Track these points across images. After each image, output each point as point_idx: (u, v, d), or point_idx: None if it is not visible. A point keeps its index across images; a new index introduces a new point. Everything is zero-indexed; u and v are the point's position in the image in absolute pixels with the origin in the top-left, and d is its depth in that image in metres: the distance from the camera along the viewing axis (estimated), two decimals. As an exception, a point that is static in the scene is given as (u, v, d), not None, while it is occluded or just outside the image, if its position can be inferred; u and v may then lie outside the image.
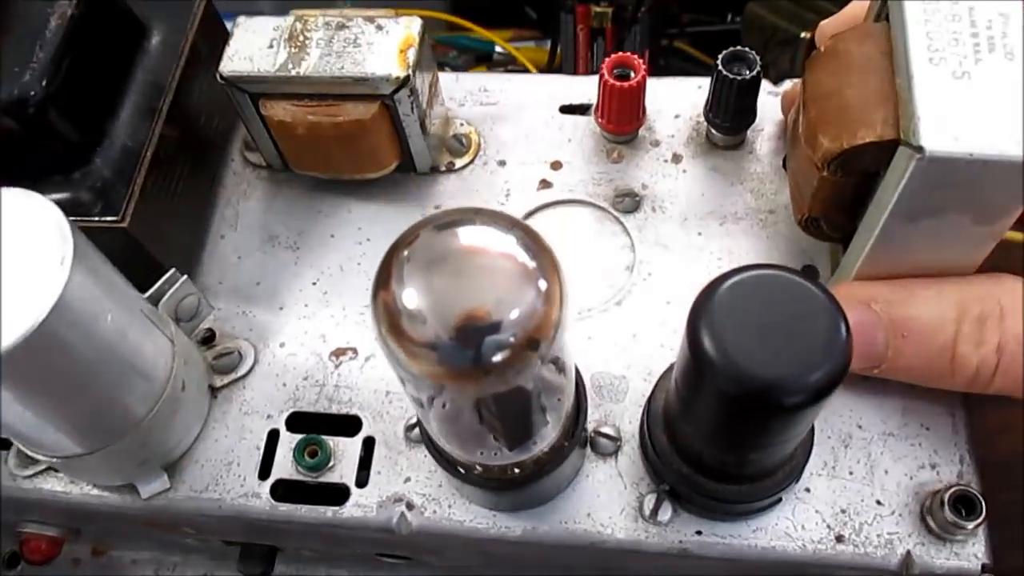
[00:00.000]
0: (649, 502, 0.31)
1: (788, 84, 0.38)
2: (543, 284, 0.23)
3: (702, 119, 0.38)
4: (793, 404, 0.23)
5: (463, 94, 0.41)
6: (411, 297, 0.23)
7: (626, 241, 0.37)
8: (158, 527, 0.37)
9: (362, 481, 0.33)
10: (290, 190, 0.40)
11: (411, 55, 0.34)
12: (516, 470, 0.30)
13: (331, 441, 0.34)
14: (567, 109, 0.40)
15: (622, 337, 0.35)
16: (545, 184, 0.38)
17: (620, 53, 0.36)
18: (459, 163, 0.39)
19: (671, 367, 0.32)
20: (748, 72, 0.35)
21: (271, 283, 0.37)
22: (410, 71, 0.34)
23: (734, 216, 0.37)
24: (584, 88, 0.41)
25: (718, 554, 0.31)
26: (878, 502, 0.31)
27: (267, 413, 0.35)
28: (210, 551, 0.41)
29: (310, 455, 0.33)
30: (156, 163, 0.34)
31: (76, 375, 0.27)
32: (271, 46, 0.35)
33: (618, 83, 0.36)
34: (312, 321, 0.36)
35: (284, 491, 0.33)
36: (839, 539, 0.31)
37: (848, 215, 0.31)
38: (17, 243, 0.26)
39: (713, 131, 0.38)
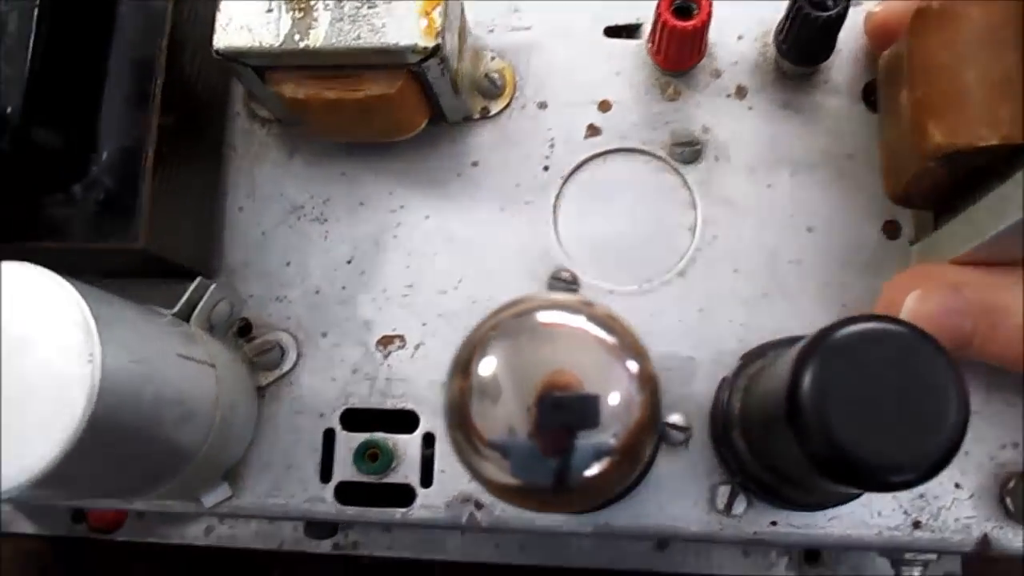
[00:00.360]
0: (723, 495, 0.31)
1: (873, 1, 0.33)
2: (637, 396, 0.21)
3: (770, 41, 0.33)
4: (897, 484, 0.22)
5: (491, 17, 0.36)
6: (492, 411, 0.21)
7: (686, 197, 0.33)
8: (223, 514, 0.37)
9: (427, 480, 0.32)
10: (308, 149, 0.36)
11: (438, 17, 0.29)
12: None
13: (390, 441, 0.33)
14: (613, 31, 0.35)
15: (688, 313, 0.32)
16: (593, 131, 0.34)
17: (680, -19, 0.31)
18: (494, 108, 0.35)
19: (744, 365, 0.30)
20: (833, 6, 0.30)
21: (302, 263, 0.35)
22: (439, 39, 0.29)
23: (808, 164, 0.33)
24: (632, 3, 0.35)
25: (793, 542, 0.31)
26: (957, 485, 0.30)
27: (319, 411, 0.33)
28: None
29: (371, 459, 0.32)
30: (160, 159, 0.30)
31: (124, 451, 0.26)
32: (270, 10, 0.30)
33: (679, 23, 0.31)
34: (352, 306, 0.34)
35: (348, 492, 0.33)
36: (916, 525, 0.30)
37: (947, 195, 0.28)
38: (35, 341, 0.23)
39: (784, 58, 0.33)
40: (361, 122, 0.32)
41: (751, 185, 0.33)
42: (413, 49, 0.29)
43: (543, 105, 0.35)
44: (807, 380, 0.22)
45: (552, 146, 0.34)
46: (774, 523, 0.31)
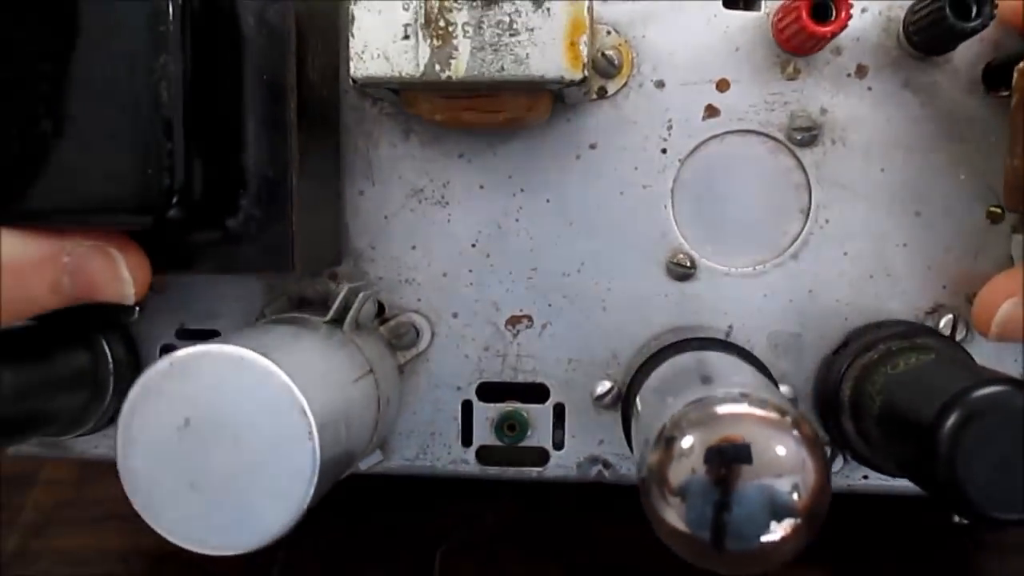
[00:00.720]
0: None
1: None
2: (821, 500, 0.24)
3: (895, 15, 0.33)
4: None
5: (605, -17, 0.34)
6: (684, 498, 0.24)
7: (801, 179, 0.35)
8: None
9: (559, 443, 0.37)
10: (422, 129, 0.36)
11: (583, 47, 0.28)
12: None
13: (524, 411, 0.36)
14: (732, 3, 0.34)
15: (798, 294, 0.35)
16: (711, 111, 0.35)
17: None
18: (611, 88, 0.35)
19: (847, 345, 0.33)
20: (977, 17, 0.29)
21: (427, 246, 0.36)
22: (585, 71, 0.28)
23: (921, 147, 0.34)
24: (752, -31, 0.34)
25: (881, 492, 0.36)
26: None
27: (456, 385, 0.37)
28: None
29: (509, 429, 0.36)
30: (299, 182, 0.31)
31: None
32: (407, 36, 0.29)
33: (817, 28, 0.30)
34: (480, 288, 0.36)
35: (487, 456, 0.37)
36: (989, 476, 0.35)
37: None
38: (256, 425, 0.26)
39: (908, 43, 0.33)
40: (486, 126, 0.32)
41: (865, 169, 0.34)
42: (559, 81, 0.29)
43: (660, 84, 0.35)
44: (945, 438, 0.25)
45: (670, 128, 0.35)
46: (866, 477, 0.35)
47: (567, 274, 0.36)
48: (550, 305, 0.36)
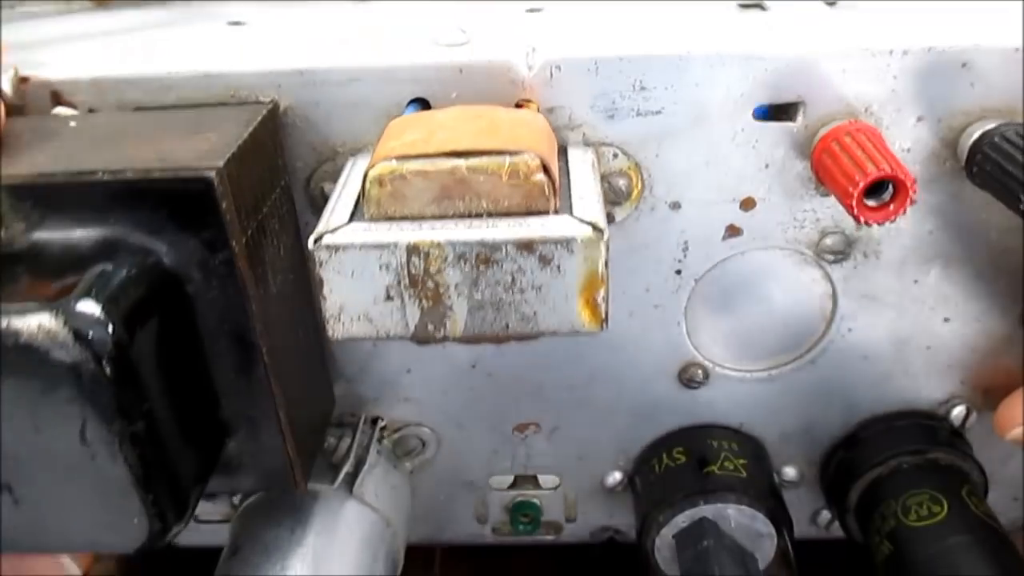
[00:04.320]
0: (824, 518, 0.37)
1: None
2: None
3: (954, 123, 0.28)
4: None
5: (612, 98, 0.28)
6: None
7: (827, 290, 0.32)
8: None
9: (571, 518, 0.38)
10: (403, 260, 0.31)
11: (601, 302, 0.24)
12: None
13: (536, 499, 0.37)
14: (765, 114, 0.28)
15: (813, 395, 0.34)
16: (733, 231, 0.30)
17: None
18: (619, 215, 0.30)
19: (856, 447, 0.34)
20: (1057, 208, 0.25)
21: (423, 370, 0.34)
22: (605, 325, 0.25)
23: (961, 258, 0.31)
24: (792, 73, 0.27)
25: (873, 534, 0.38)
26: None
27: (467, 480, 0.37)
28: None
29: (523, 517, 0.37)
30: (287, 405, 0.28)
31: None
32: (389, 297, 0.24)
33: (869, 214, 0.26)
34: (484, 403, 0.34)
35: (503, 529, 0.38)
36: (975, 520, 0.37)
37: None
38: None
39: (966, 167, 0.28)
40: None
41: (897, 281, 0.31)
42: (575, 330, 0.25)
43: (676, 206, 0.30)
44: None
45: (685, 250, 0.31)
46: (861, 528, 0.38)
47: (575, 387, 0.34)
48: (558, 413, 0.35)
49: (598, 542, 0.39)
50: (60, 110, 0.28)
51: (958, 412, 0.34)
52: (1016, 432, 0.31)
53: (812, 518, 0.37)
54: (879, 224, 0.26)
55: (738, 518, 0.32)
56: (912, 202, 0.25)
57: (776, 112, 0.28)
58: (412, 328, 0.24)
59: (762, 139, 0.28)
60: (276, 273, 0.27)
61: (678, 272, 0.31)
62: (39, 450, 0.22)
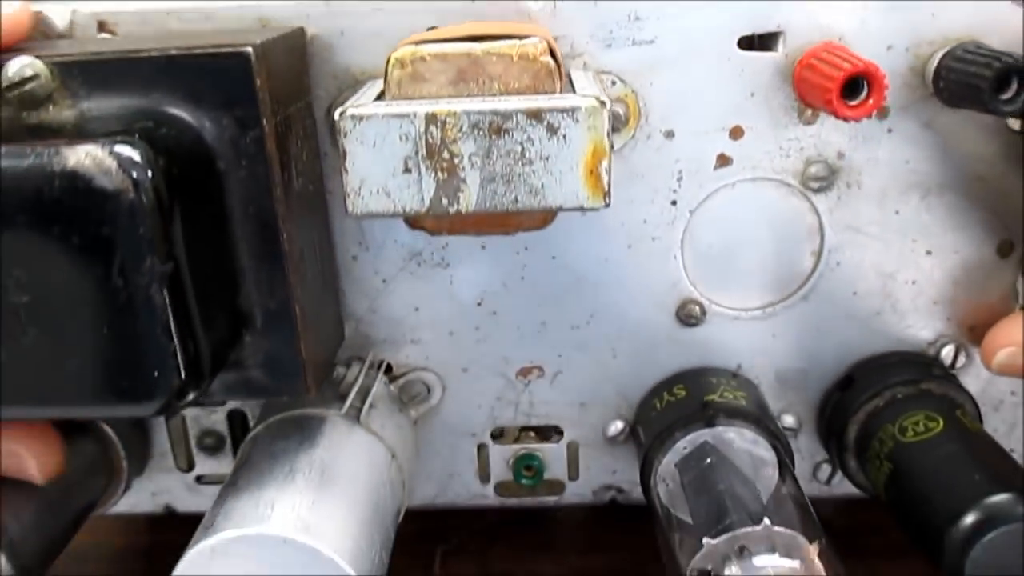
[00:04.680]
0: (825, 471, 0.37)
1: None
2: None
3: (921, 51, 0.31)
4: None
5: (609, 27, 0.31)
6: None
7: (814, 222, 0.34)
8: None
9: (574, 475, 0.38)
10: (414, 191, 0.33)
11: (604, 173, 0.26)
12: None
13: (539, 451, 0.37)
14: (749, 43, 0.31)
15: (806, 333, 0.35)
16: (724, 160, 0.32)
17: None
18: (618, 143, 0.32)
19: (850, 387, 0.34)
20: (1015, 100, 0.27)
21: (430, 308, 0.35)
22: (608, 198, 0.26)
23: (938, 187, 0.33)
24: (772, 3, 0.30)
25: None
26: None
27: (471, 432, 0.37)
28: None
29: (527, 470, 0.37)
30: (302, 303, 0.29)
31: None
32: (408, 170, 0.26)
33: (847, 111, 0.28)
34: (489, 344, 0.35)
35: (505, 489, 0.38)
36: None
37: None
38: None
39: (935, 89, 0.31)
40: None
41: (879, 212, 0.33)
42: (579, 207, 0.27)
43: (670, 134, 0.32)
44: (954, 547, 0.27)
45: (680, 179, 0.33)
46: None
47: (576, 327, 0.35)
48: (560, 356, 0.36)
49: (601, 503, 0.39)
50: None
51: (948, 351, 0.35)
52: (1001, 355, 0.32)
53: (813, 472, 0.38)
54: (859, 120, 0.28)
55: (740, 443, 0.32)
56: (885, 95, 0.27)
57: (759, 43, 0.31)
58: (427, 202, 0.26)
59: (747, 69, 0.31)
60: (298, 174, 0.29)
61: (673, 203, 0.33)
62: (69, 294, 0.24)
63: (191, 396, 0.26)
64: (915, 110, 0.32)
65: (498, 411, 0.37)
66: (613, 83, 0.31)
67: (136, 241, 0.23)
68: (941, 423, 0.31)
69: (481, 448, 0.37)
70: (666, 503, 0.33)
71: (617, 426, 0.36)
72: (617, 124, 0.32)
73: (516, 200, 0.26)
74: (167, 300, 0.24)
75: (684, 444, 0.32)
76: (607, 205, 0.26)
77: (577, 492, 0.38)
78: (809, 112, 0.32)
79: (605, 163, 0.26)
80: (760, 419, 0.33)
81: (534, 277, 0.34)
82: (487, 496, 0.38)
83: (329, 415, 0.32)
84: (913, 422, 0.32)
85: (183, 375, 0.25)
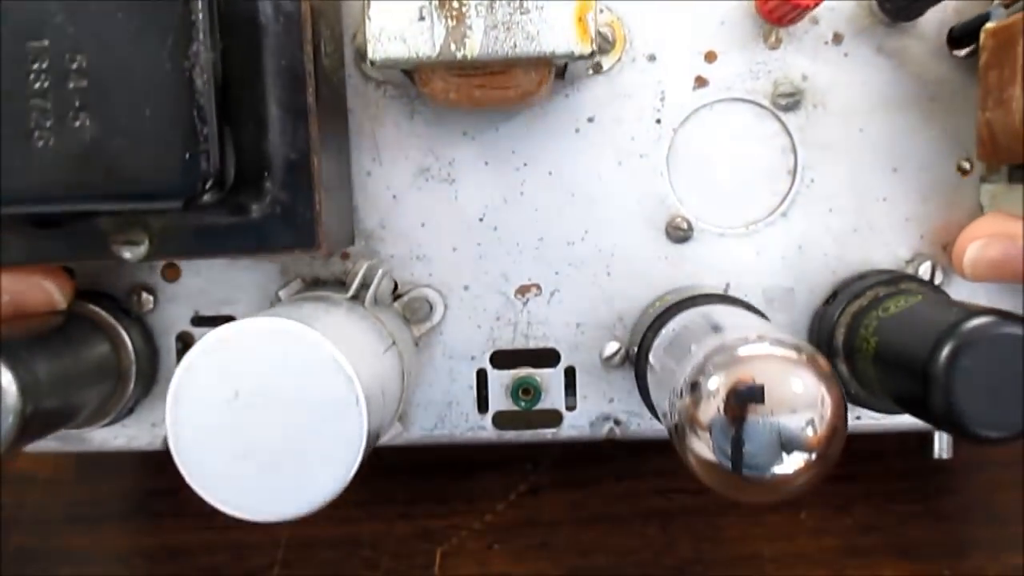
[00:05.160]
0: (819, 400, 0.38)
1: None
2: (836, 433, 0.26)
3: (867, -14, 0.35)
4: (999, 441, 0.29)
5: (595, -39, 0.36)
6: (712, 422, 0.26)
7: (787, 142, 0.37)
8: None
9: (571, 405, 0.38)
10: (425, 108, 0.37)
11: (591, 22, 0.30)
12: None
13: (537, 376, 0.38)
14: (716, -23, 0.36)
15: (789, 250, 0.37)
16: (701, 82, 0.37)
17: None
18: (606, 63, 0.36)
19: (837, 296, 0.36)
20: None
21: (436, 223, 0.37)
22: (593, 45, 0.30)
23: (896, 107, 0.37)
24: (733, -54, 0.36)
25: (870, 431, 0.38)
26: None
27: (470, 355, 0.38)
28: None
29: (524, 393, 0.38)
30: (321, 163, 0.32)
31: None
32: (422, 18, 0.30)
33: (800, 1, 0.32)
34: (489, 261, 0.38)
35: (503, 421, 0.39)
36: (969, 410, 0.38)
37: (1036, 163, 0.32)
38: (307, 392, 0.27)
39: (880, 10, 0.35)
40: (496, 104, 0.33)
41: (845, 130, 0.37)
42: (568, 56, 0.30)
43: (652, 58, 0.36)
44: (940, 369, 0.28)
45: (663, 99, 0.37)
46: (859, 417, 0.38)
47: (571, 243, 0.37)
48: (557, 273, 0.38)
49: (598, 438, 0.39)
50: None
51: (925, 268, 0.37)
52: (970, 251, 0.34)
53: (808, 404, 0.38)
54: (817, 5, 0.32)
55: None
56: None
57: (725, -25, 0.36)
58: (438, 48, 0.30)
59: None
60: (324, 56, 0.33)
61: (658, 121, 0.37)
62: (122, 77, 0.27)
63: (213, 195, 0.28)
64: (865, 36, 0.36)
65: (497, 332, 0.38)
66: (601, 11, 0.36)
67: (188, 24, 0.27)
68: (920, 296, 0.33)
69: (480, 374, 0.38)
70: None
71: (613, 347, 0.37)
72: (605, 45, 0.36)
73: (515, 46, 0.30)
74: (207, 86, 0.27)
75: (674, 325, 0.34)
76: (593, 52, 0.30)
77: (575, 424, 0.38)
78: (774, 38, 0.36)
79: (591, 13, 0.30)
80: (751, 307, 0.34)
81: (532, 192, 0.37)
82: (485, 428, 0.38)
83: (333, 295, 0.34)
84: (895, 302, 0.33)
85: (210, 165, 0.27)
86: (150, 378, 0.38)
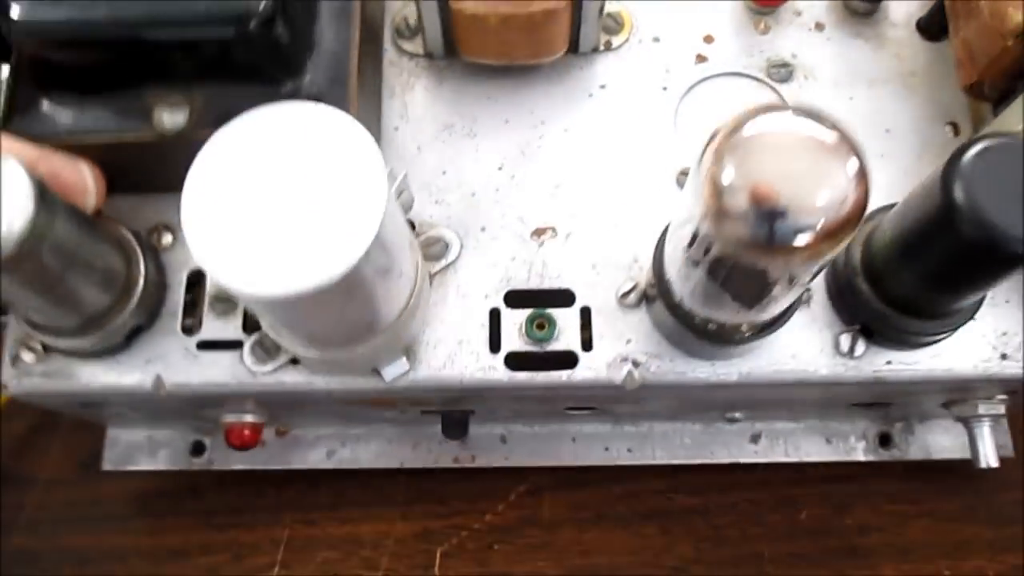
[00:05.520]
0: (845, 341, 0.36)
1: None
2: (858, 183, 0.26)
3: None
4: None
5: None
6: (735, 178, 0.26)
7: (784, 109, 0.40)
8: (383, 404, 0.40)
9: (587, 345, 0.37)
10: (453, 78, 0.41)
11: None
12: (745, 328, 0.34)
13: (553, 313, 0.37)
14: (708, -28, 0.42)
15: (797, 199, 0.38)
16: (701, 58, 0.41)
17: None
18: (616, 42, 0.41)
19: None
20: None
21: (457, 171, 0.39)
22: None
23: (880, 79, 0.40)
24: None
25: (905, 379, 0.36)
26: (1033, 322, 0.37)
27: (484, 293, 0.37)
28: (402, 420, 0.45)
29: (539, 327, 0.37)
30: (358, 69, 0.35)
31: (373, 287, 0.30)
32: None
33: (783, -39, 0.38)
34: (506, 204, 0.39)
35: (516, 362, 0.37)
36: (1003, 357, 0.36)
37: (1014, 81, 0.35)
38: (337, 165, 0.27)
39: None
40: (521, 37, 0.37)
41: (836, 98, 0.40)
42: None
43: (657, 39, 0.41)
44: (964, 169, 0.28)
45: (668, 72, 0.41)
46: (889, 362, 0.36)
47: (587, 189, 0.39)
48: (572, 216, 0.38)
49: (615, 383, 0.36)
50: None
51: (930, 218, 0.38)
52: None
53: (835, 347, 0.36)
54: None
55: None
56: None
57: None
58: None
59: (711, -7, 0.42)
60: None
61: (664, 88, 0.40)
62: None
63: (263, 30, 0.31)
64: (844, 26, 0.41)
65: (512, 271, 0.38)
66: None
67: None
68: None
69: (494, 313, 0.37)
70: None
71: (629, 284, 0.37)
72: (614, 27, 0.41)
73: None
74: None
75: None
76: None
77: (591, 366, 0.36)
78: (763, 25, 0.41)
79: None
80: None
81: (549, 145, 0.40)
82: (496, 368, 0.36)
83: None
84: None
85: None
86: (153, 309, 0.37)
